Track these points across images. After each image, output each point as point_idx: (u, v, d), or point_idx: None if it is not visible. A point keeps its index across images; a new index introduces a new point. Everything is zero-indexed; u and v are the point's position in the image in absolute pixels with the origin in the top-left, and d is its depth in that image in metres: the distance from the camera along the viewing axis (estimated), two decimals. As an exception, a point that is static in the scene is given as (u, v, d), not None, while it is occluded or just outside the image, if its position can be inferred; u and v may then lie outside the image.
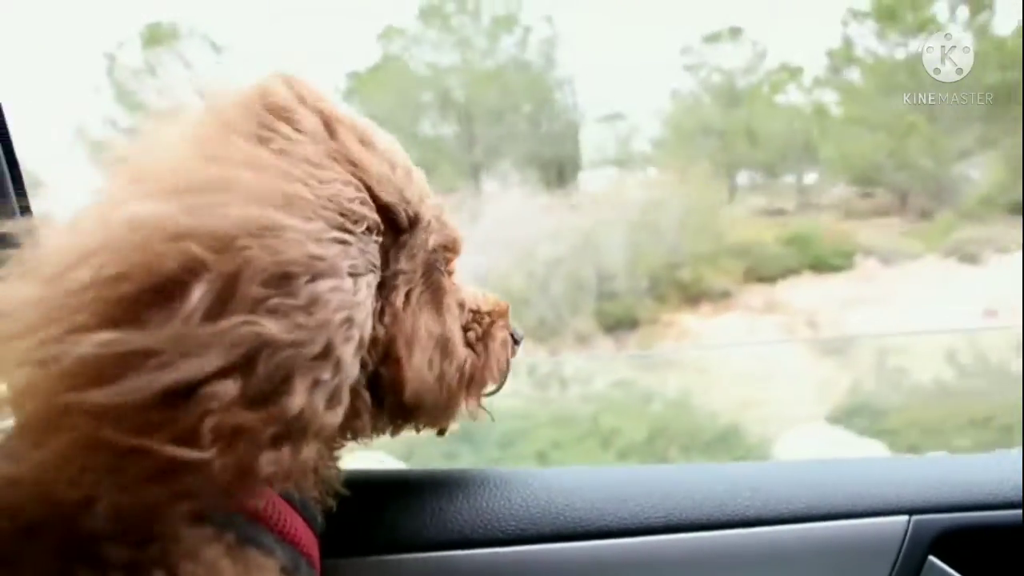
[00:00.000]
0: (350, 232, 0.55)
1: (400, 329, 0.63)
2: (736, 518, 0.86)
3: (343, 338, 0.50)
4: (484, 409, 0.79)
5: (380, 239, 0.60)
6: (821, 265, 3.49)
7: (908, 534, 0.86)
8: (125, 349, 0.41)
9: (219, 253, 0.45)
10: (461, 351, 0.73)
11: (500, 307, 0.78)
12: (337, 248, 0.53)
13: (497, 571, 0.83)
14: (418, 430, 0.76)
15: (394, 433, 0.75)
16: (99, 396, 0.41)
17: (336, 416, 0.49)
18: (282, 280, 0.47)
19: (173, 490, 0.43)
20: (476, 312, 0.76)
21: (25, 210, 0.89)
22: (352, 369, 0.51)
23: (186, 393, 0.42)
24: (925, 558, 0.86)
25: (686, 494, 0.88)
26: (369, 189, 0.60)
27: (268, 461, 0.44)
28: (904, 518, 0.87)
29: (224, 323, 0.43)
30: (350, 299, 0.52)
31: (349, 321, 0.51)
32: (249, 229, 0.47)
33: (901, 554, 0.86)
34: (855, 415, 3.06)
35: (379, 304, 0.61)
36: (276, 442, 0.45)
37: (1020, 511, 0.86)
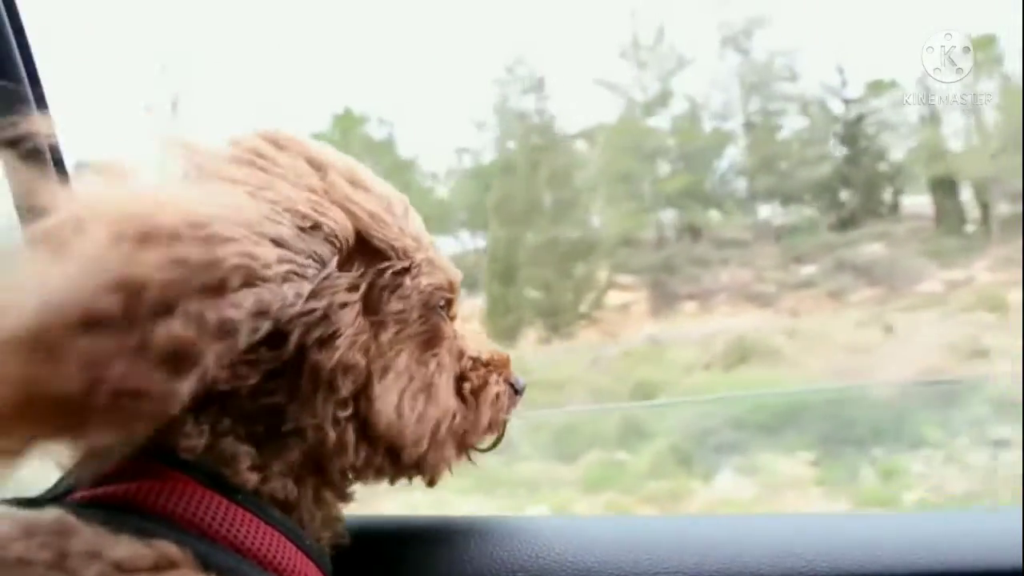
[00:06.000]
0: (296, 228, 0.56)
1: (378, 364, 0.63)
2: None
3: (240, 278, 0.50)
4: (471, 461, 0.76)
5: (339, 245, 0.60)
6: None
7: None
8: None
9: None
10: (448, 401, 0.70)
11: (500, 358, 0.74)
12: (259, 214, 0.54)
13: None
14: (409, 479, 0.72)
15: (392, 480, 0.71)
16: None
17: (227, 350, 0.49)
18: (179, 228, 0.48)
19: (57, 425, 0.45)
20: (475, 361, 0.72)
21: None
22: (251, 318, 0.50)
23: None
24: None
25: (758, 546, 0.72)
26: (361, 228, 0.62)
27: (159, 380, 0.45)
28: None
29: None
30: (255, 252, 0.51)
31: (249, 268, 0.50)
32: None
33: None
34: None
35: (368, 337, 0.62)
36: (161, 366, 0.45)
37: None
